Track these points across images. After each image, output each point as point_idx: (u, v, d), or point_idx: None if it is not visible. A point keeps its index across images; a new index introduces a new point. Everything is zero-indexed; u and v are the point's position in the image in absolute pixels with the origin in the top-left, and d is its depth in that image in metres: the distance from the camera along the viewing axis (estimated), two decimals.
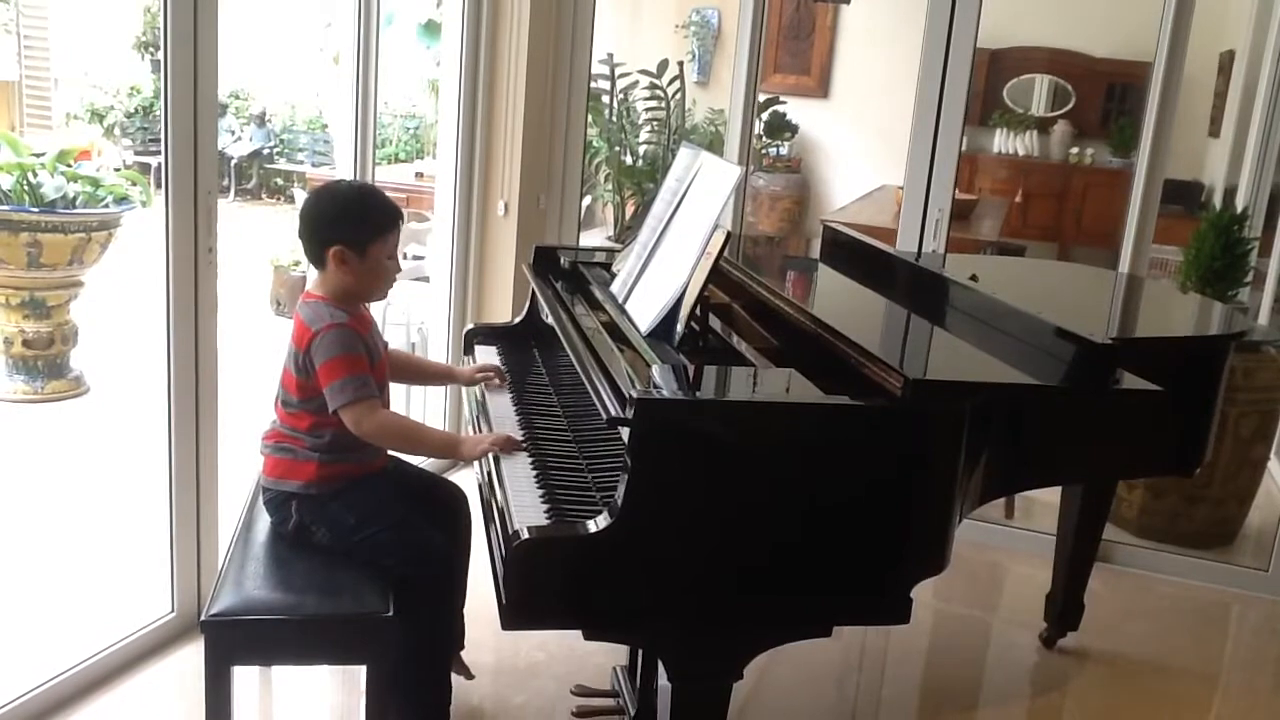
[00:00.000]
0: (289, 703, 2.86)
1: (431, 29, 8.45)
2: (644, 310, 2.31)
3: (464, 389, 2.88)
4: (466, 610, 2.73)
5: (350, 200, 2.40)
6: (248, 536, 2.45)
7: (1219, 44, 7.16)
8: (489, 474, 2.23)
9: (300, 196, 7.86)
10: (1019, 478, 2.53)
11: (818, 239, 3.70)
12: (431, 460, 4.08)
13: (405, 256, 2.48)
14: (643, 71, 7.65)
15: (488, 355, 2.96)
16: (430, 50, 8.70)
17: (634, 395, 1.83)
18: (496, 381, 2.74)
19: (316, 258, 2.37)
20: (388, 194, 2.48)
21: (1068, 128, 8.50)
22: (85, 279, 5.18)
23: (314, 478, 2.38)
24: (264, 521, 2.47)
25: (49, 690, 2.68)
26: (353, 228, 2.35)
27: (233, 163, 11.03)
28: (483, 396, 2.69)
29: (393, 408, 2.50)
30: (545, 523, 1.97)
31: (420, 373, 3.01)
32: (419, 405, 4.31)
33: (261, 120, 11.26)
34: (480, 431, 2.52)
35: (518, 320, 3.11)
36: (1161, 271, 5.86)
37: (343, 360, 2.28)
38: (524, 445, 2.31)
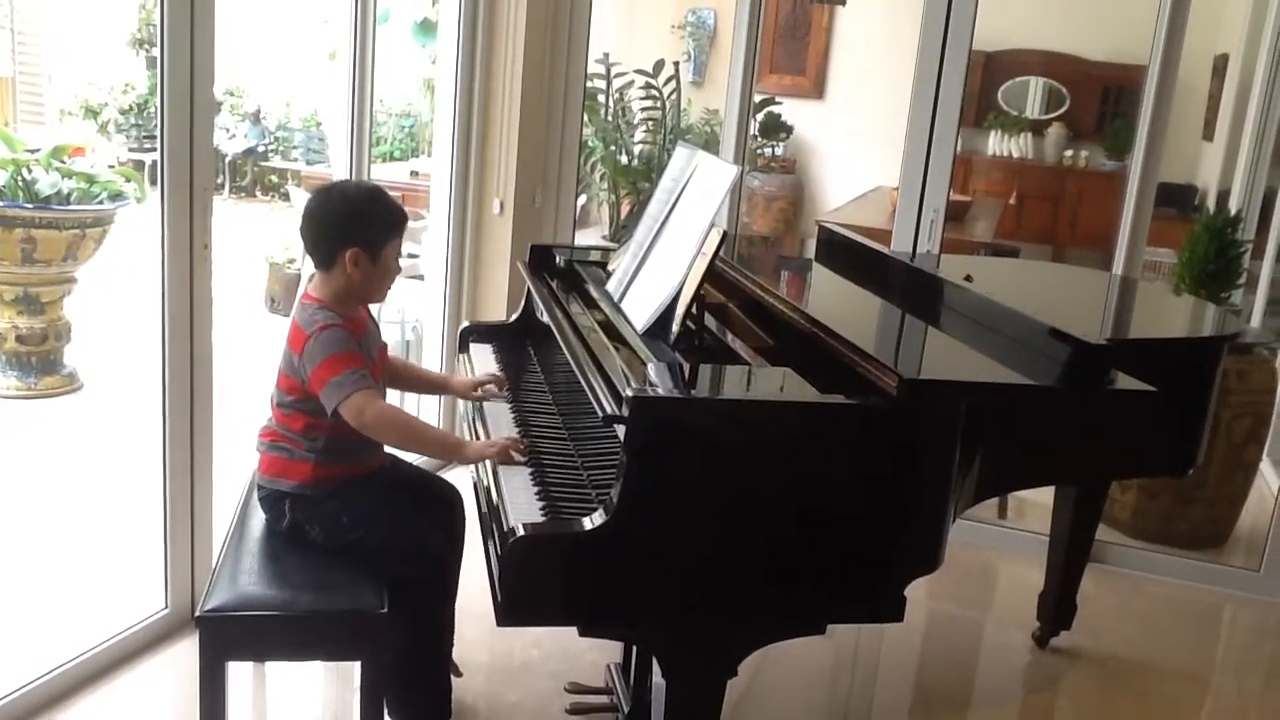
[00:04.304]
0: (283, 699, 2.86)
1: (427, 27, 8.44)
2: (640, 309, 2.31)
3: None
4: (460, 608, 2.73)
5: (362, 202, 2.38)
6: (242, 532, 2.45)
7: (1213, 47, 7.18)
8: (485, 472, 2.23)
9: (295, 194, 7.85)
10: (1013, 477, 2.55)
11: (812, 239, 3.71)
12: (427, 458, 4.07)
13: (402, 254, 2.46)
14: (638, 71, 7.65)
15: (483, 353, 2.96)
16: (426, 49, 8.70)
17: (630, 393, 1.83)
18: (495, 391, 2.66)
19: (326, 259, 2.34)
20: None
21: (1062, 130, 8.51)
22: (79, 275, 5.17)
23: (309, 478, 2.37)
24: (259, 518, 2.47)
25: (43, 685, 2.68)
26: (367, 230, 2.33)
27: (227, 160, 11.01)
28: None
29: None
30: (541, 520, 1.97)
31: (415, 381, 2.90)
32: (412, 403, 4.31)
33: (256, 118, 11.24)
34: (475, 432, 2.52)
35: (513, 318, 3.11)
36: (1155, 274, 5.88)
37: (338, 357, 2.26)
38: (526, 458, 2.25)
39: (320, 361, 2.26)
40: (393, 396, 2.77)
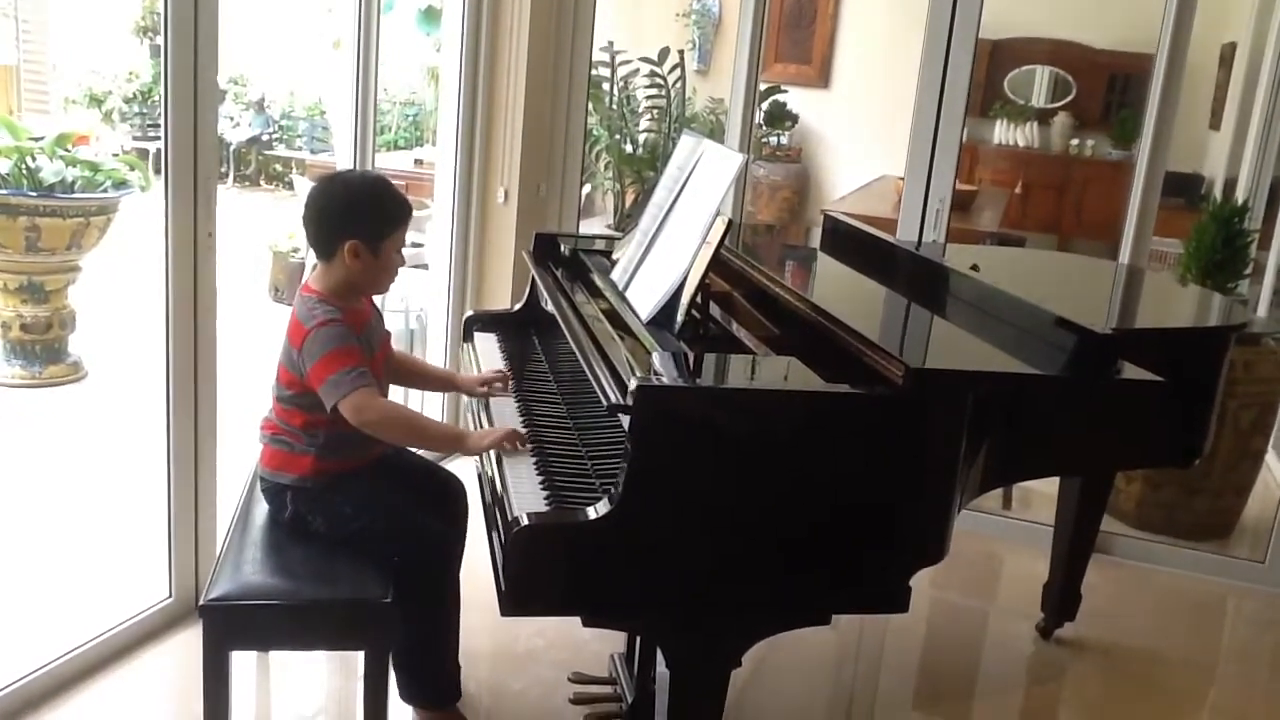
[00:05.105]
0: (287, 688, 2.86)
1: (431, 16, 8.43)
2: (645, 298, 2.30)
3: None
4: (464, 597, 2.72)
5: (365, 192, 2.35)
6: (246, 522, 2.45)
7: (1220, 36, 7.15)
8: (489, 461, 2.22)
9: (299, 183, 7.85)
10: (1019, 468, 2.53)
11: (817, 228, 3.70)
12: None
13: (406, 244, 2.44)
14: (643, 59, 7.63)
15: (487, 342, 2.96)
16: (430, 37, 8.68)
17: (634, 382, 1.83)
18: (501, 389, 2.62)
19: (326, 249, 2.32)
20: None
21: (1068, 119, 8.48)
22: (83, 264, 5.17)
23: (310, 471, 2.36)
24: (262, 508, 2.47)
25: (47, 674, 2.68)
26: (368, 222, 2.31)
27: (231, 149, 11.01)
28: None
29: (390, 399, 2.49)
30: (545, 509, 1.97)
31: (421, 377, 2.89)
32: (416, 393, 4.30)
33: (260, 106, 11.23)
34: (480, 422, 2.51)
35: (517, 307, 3.10)
36: (1161, 264, 5.86)
37: (336, 354, 2.23)
38: (528, 445, 2.25)
39: (319, 358, 2.24)
40: (397, 393, 2.76)
